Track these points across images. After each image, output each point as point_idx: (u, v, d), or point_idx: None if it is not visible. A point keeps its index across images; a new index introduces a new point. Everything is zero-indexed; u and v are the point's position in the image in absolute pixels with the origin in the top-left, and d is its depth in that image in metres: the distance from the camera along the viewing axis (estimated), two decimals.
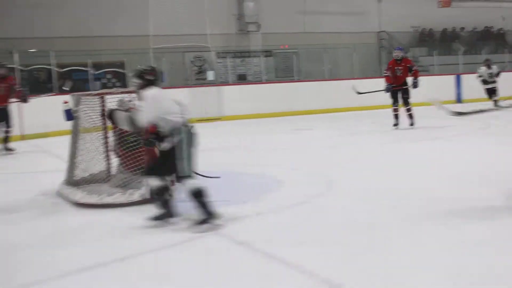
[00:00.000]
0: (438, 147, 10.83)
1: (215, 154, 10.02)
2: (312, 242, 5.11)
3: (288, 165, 9.15)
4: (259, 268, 4.48)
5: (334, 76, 20.59)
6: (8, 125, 11.77)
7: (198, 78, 20.40)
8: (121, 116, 5.97)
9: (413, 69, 13.44)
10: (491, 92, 16.88)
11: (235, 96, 18.46)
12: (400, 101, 13.44)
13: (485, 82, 16.89)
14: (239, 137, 13.72)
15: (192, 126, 5.70)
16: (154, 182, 5.68)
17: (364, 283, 4.03)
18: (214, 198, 6.62)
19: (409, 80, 13.38)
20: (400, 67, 13.30)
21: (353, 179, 7.88)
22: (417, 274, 4.20)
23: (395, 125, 13.29)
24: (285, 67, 22.15)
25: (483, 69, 16.92)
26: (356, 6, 23.30)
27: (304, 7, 22.59)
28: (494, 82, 16.74)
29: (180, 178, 5.64)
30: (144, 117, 5.44)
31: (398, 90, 13.30)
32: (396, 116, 13.41)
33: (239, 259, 4.72)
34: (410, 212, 6.03)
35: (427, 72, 22.99)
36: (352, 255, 4.67)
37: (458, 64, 22.45)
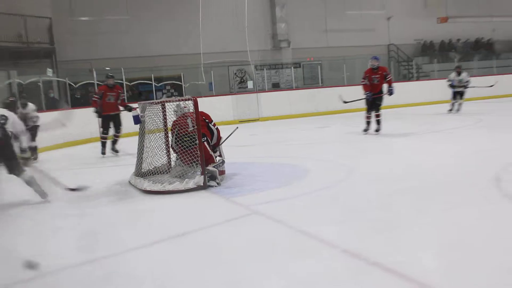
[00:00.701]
0: (434, 142, 10.75)
1: (254, 149, 10.07)
2: (335, 220, 5.10)
3: (314, 156, 9.10)
4: (294, 242, 4.49)
5: (351, 82, 20.47)
6: (117, 130, 11.22)
7: (240, 87, 20.45)
8: None
9: (388, 77, 11.80)
10: (457, 94, 16.06)
11: (270, 101, 18.48)
12: (373, 108, 11.78)
13: (452, 86, 16.14)
14: (273, 134, 13.72)
15: None
16: None
17: (379, 253, 4.00)
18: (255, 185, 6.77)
19: (385, 87, 11.80)
20: (377, 76, 11.72)
21: (368, 167, 7.85)
22: (425, 248, 4.20)
23: (365, 130, 11.81)
24: (311, 76, 22.09)
25: (452, 75, 16.20)
26: (368, 24, 23.16)
27: (326, 26, 22.50)
28: (461, 87, 15.93)
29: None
30: None
31: (375, 98, 11.68)
32: (368, 123, 11.87)
33: (278, 234, 4.73)
34: (417, 194, 5.97)
35: (429, 77, 22.74)
36: (368, 230, 4.66)
37: (453, 70, 22.15)
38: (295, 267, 3.91)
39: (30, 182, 6.49)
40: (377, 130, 11.62)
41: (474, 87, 16.29)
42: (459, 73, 16.05)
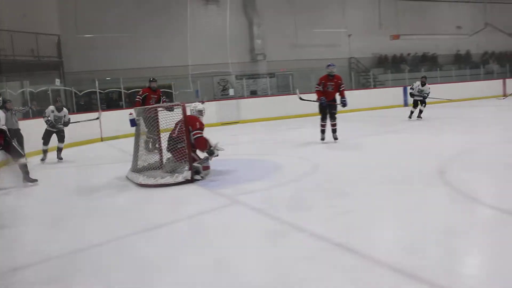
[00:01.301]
0: (389, 140, 10.83)
1: (235, 147, 10.03)
2: (304, 207, 5.13)
3: (287, 153, 9.12)
4: (269, 227, 4.50)
5: None
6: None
7: (222, 94, 20.37)
8: None
9: (341, 87, 10.19)
10: (418, 102, 14.47)
11: (249, 106, 18.44)
12: (328, 115, 10.23)
13: (412, 95, 14.66)
14: (252, 135, 13.71)
15: None
16: None
17: (344, 235, 4.03)
18: (236, 179, 6.74)
19: (338, 98, 10.22)
20: (332, 83, 10.14)
21: (332, 162, 7.88)
22: (380, 228, 4.25)
23: (322, 139, 10.26)
24: (284, 84, 22.08)
25: (416, 84, 14.74)
26: (333, 40, 23.23)
27: (296, 41, 22.52)
28: (421, 96, 14.37)
29: None
30: None
31: (328, 106, 10.12)
32: (323, 131, 10.29)
33: (255, 221, 4.75)
34: (376, 181, 6.06)
35: (383, 85, 22.90)
36: (334, 215, 4.69)
37: (405, 79, 22.36)
38: (270, 249, 3.94)
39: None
40: (335, 139, 10.13)
41: (433, 98, 15.17)
42: (423, 84, 14.58)
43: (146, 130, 7.99)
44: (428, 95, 14.43)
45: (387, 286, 3.09)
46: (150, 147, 8.77)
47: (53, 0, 17.86)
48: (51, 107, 10.35)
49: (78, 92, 16.75)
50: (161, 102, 10.41)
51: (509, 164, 6.70)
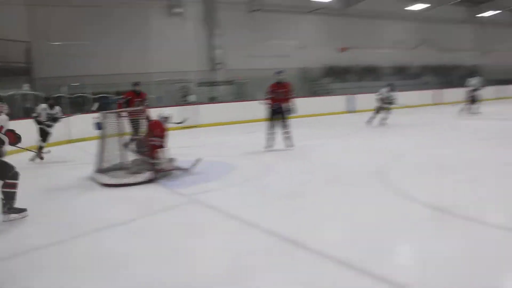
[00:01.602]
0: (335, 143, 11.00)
1: (195, 149, 10.01)
2: (258, 205, 5.19)
3: (242, 155, 9.16)
4: (223, 224, 4.54)
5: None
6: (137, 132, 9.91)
7: (183, 100, 20.20)
8: None
9: (290, 94, 9.59)
10: (381, 108, 13.98)
11: (208, 111, 18.39)
12: (278, 123, 9.58)
13: (380, 100, 14.02)
14: (210, 138, 13.67)
15: None
16: None
17: (294, 230, 4.12)
18: (195, 179, 6.75)
19: (286, 105, 9.54)
20: (281, 90, 9.54)
21: (283, 165, 7.96)
22: (325, 220, 4.31)
23: (268, 147, 9.50)
24: (240, 92, 22.09)
25: (383, 90, 14.09)
26: (286, 51, 23.40)
27: (252, 52, 22.59)
28: (387, 103, 13.91)
29: None
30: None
31: (277, 113, 9.53)
32: (271, 139, 9.54)
33: (212, 217, 4.77)
34: (322, 182, 6.19)
35: (333, 93, 23.21)
36: (285, 213, 4.78)
37: (351, 88, 22.85)
38: (226, 244, 3.99)
39: None
40: (289, 146, 9.54)
41: (398, 105, 14.45)
42: (390, 90, 14.06)
43: (127, 131, 7.78)
44: (394, 102, 14.13)
45: (332, 276, 3.19)
46: (130, 147, 8.60)
47: (22, 8, 17.40)
48: (43, 105, 10.12)
49: (47, 97, 16.35)
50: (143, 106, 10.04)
51: (442, 164, 6.98)
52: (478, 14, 30.32)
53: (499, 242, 3.66)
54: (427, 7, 27.14)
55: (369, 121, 14.24)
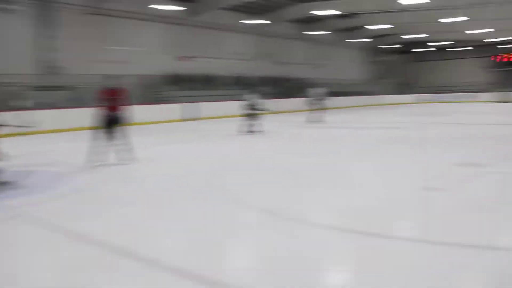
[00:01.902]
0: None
1: (25, 157, 9.58)
2: (87, 217, 5.28)
3: (74, 162, 8.80)
4: (52, 236, 4.60)
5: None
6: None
7: (17, 104, 18.83)
8: None
9: (124, 102, 8.78)
10: (250, 116, 14.48)
11: (46, 117, 17.42)
12: (111, 135, 8.70)
13: (247, 107, 14.53)
14: (46, 145, 13.02)
15: None
16: None
17: (126, 239, 4.33)
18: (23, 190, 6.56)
19: (121, 112, 8.76)
20: (114, 97, 8.68)
21: (118, 173, 8.12)
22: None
23: (98, 161, 8.52)
24: (81, 97, 21.19)
25: (249, 96, 14.64)
26: (125, 58, 22.84)
27: (92, 57, 21.73)
28: (254, 109, 14.45)
29: None
30: None
31: (112, 123, 8.66)
32: (101, 153, 8.53)
33: (40, 230, 4.80)
34: (195, 183, 6.75)
35: (174, 101, 23.47)
36: (118, 223, 4.99)
37: (194, 96, 23.74)
38: (51, 257, 4.07)
39: None
40: (131, 159, 8.89)
41: (266, 111, 15.27)
42: (257, 98, 14.57)
43: None
44: (261, 108, 14.64)
45: (167, 284, 3.44)
46: None
47: None
48: None
49: None
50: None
51: (290, 170, 7.84)
52: (308, 31, 33.22)
53: (322, 242, 4.28)
54: (265, 23, 29.04)
55: (241, 129, 14.69)
